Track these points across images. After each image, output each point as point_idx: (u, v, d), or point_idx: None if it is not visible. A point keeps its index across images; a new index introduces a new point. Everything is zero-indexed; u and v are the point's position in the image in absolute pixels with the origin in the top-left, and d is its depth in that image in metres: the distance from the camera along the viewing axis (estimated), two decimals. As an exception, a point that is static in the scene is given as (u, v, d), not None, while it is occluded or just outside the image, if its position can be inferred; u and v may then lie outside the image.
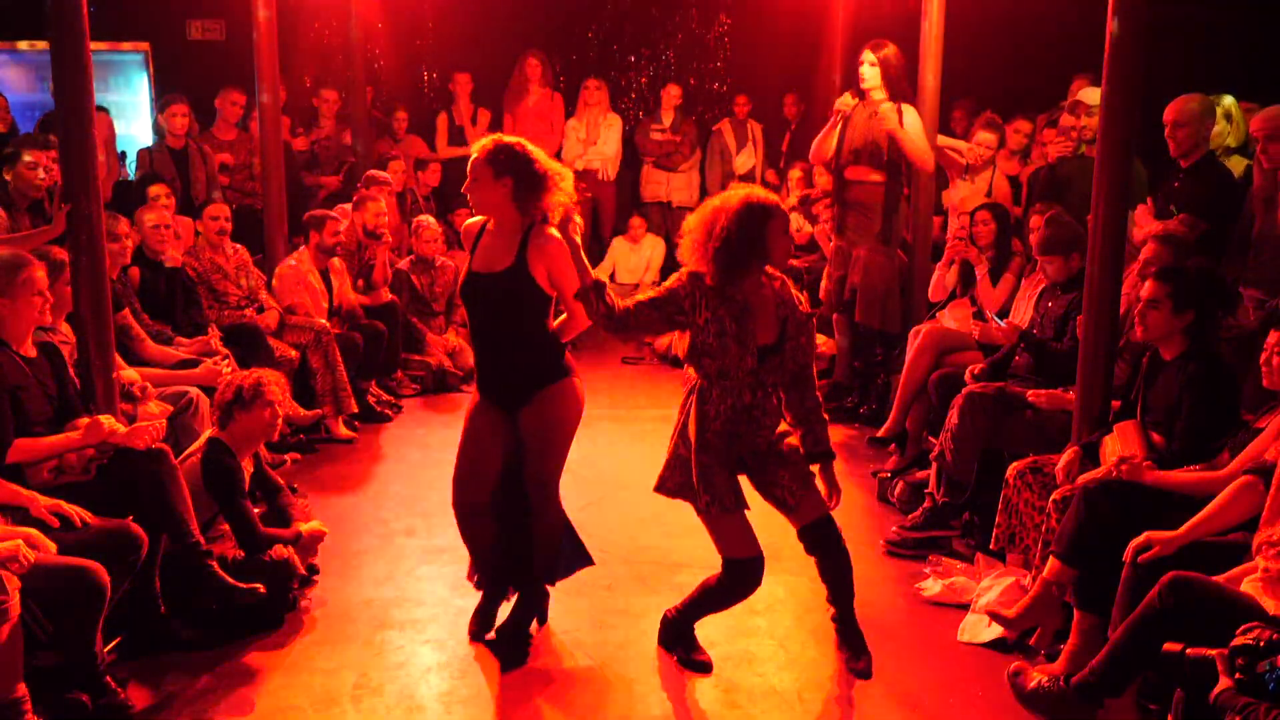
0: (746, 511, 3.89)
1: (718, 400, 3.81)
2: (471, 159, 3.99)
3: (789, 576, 4.70)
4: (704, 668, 4.06)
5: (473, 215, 4.14)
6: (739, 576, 3.91)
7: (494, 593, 4.32)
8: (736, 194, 3.80)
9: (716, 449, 3.83)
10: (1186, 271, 4.23)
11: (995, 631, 4.23)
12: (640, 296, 3.82)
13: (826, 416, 4.01)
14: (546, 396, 4.04)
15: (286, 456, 6.22)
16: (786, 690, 3.95)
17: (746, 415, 3.84)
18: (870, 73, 6.66)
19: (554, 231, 3.90)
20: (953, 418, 5.04)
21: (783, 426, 3.99)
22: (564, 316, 4.11)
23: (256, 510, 4.59)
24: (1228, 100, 5.74)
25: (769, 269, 3.87)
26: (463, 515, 4.18)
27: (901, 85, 6.66)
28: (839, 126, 6.81)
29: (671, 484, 3.92)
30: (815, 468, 3.96)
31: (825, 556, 3.98)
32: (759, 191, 3.81)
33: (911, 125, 6.62)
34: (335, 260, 7.26)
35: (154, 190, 6.85)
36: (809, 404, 3.95)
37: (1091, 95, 6.36)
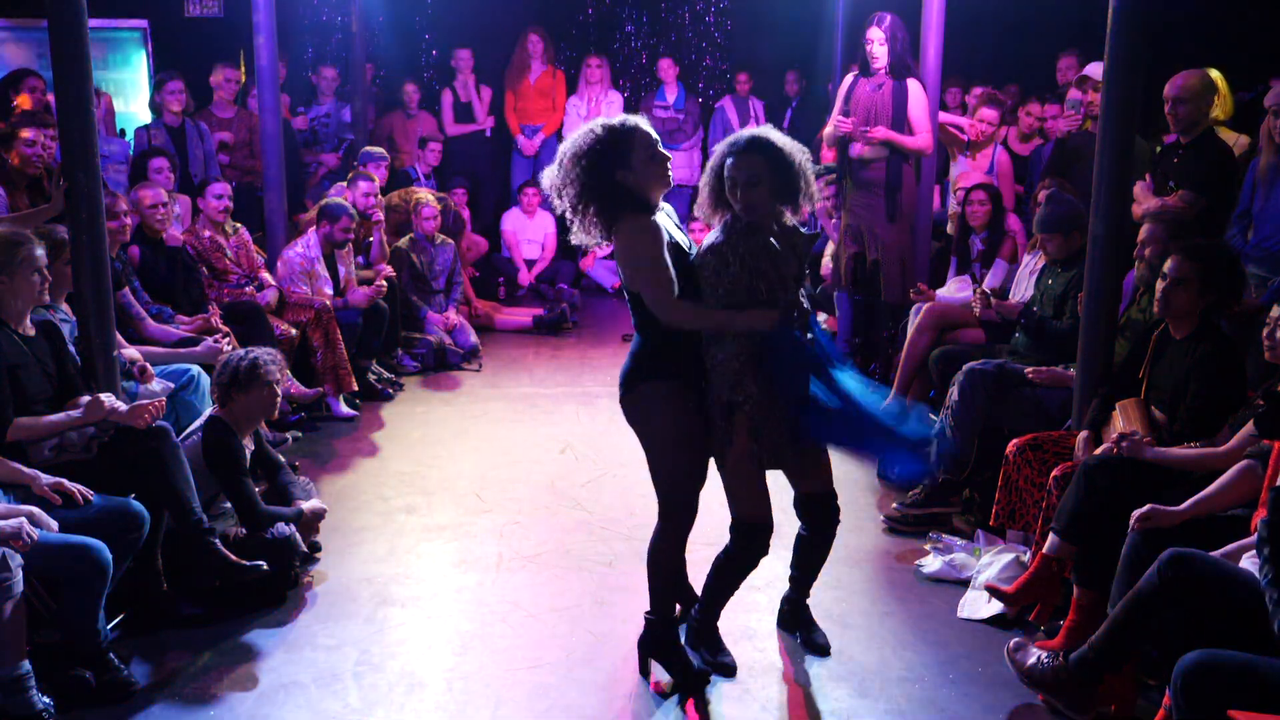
0: None
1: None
2: None
3: (789, 554, 4.70)
4: (729, 670, 3.89)
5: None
6: (759, 540, 3.76)
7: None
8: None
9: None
10: (1215, 251, 4.18)
11: (995, 608, 4.24)
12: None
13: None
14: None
15: (288, 434, 6.23)
16: (786, 665, 3.97)
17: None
18: (880, 51, 6.55)
19: None
20: (953, 394, 5.04)
21: None
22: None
23: (258, 488, 4.60)
24: (1214, 74, 5.72)
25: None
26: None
27: (907, 60, 6.61)
28: (842, 104, 6.75)
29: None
30: None
31: (826, 529, 3.95)
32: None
33: (917, 101, 6.57)
34: (344, 249, 7.23)
35: (157, 163, 6.82)
36: None
37: (1100, 70, 6.32)
